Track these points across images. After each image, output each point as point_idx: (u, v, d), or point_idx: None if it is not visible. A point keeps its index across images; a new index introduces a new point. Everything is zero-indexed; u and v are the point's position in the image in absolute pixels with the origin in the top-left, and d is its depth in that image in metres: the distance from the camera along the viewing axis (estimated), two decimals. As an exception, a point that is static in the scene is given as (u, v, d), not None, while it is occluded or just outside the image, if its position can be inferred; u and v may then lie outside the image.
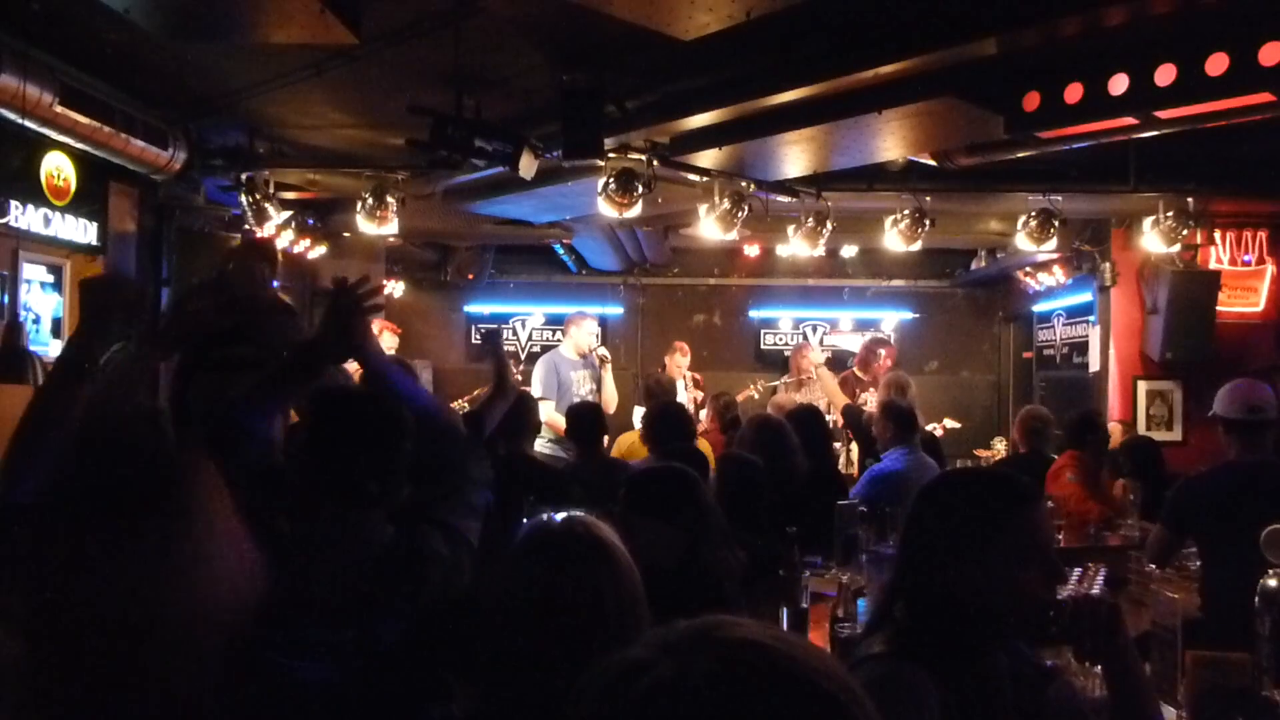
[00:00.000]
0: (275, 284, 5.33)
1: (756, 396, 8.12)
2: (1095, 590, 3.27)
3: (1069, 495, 5.38)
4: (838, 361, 8.86)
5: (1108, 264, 7.87)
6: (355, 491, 1.98)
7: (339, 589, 1.89)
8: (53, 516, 1.22)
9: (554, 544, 1.75)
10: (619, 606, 1.70)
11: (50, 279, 5.75)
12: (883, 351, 7.82)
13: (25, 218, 5.46)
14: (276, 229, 6.85)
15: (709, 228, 6.56)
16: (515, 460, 4.20)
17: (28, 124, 4.84)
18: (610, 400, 7.14)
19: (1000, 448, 8.54)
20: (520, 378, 8.04)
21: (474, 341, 10.67)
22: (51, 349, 5.65)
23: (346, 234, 7.73)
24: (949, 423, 8.09)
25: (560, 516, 1.80)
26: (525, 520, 1.89)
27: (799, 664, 0.78)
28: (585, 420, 4.93)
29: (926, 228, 6.94)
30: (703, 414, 7.49)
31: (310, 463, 2.04)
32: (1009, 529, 1.83)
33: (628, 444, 6.03)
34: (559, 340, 8.34)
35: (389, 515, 2.02)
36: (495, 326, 7.06)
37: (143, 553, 1.14)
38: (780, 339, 10.73)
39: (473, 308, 10.75)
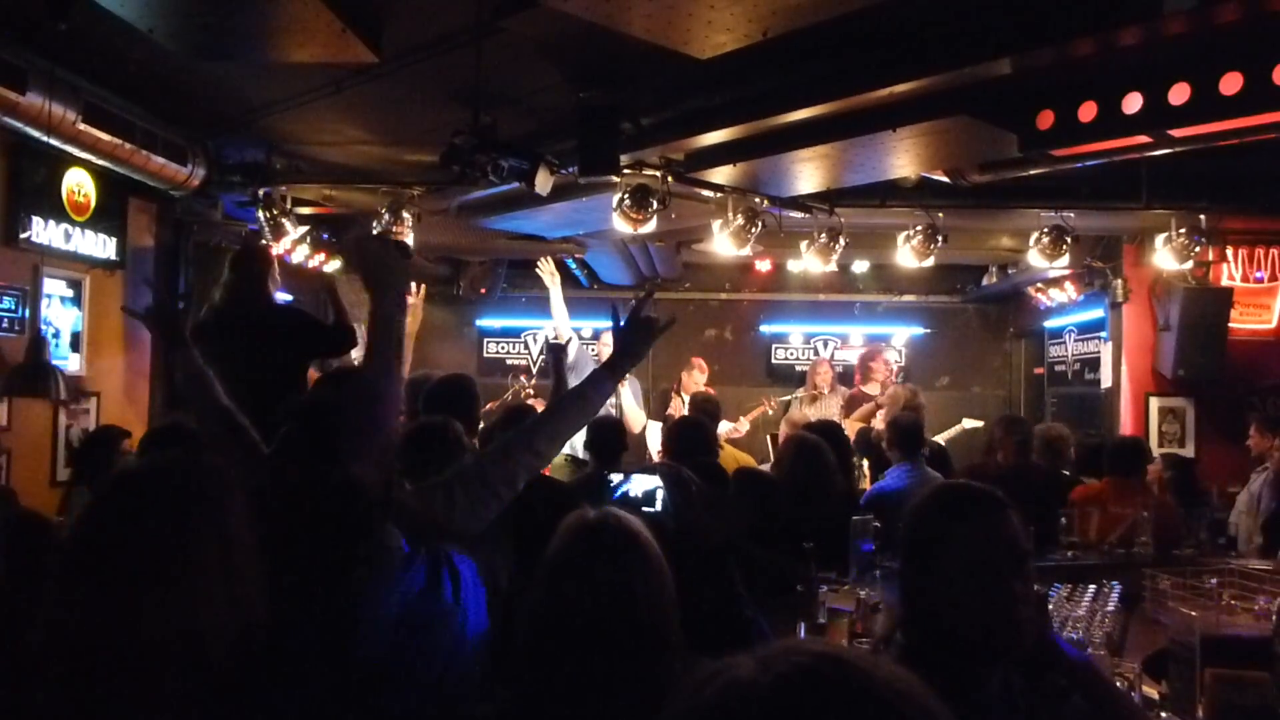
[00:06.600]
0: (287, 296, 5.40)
1: (770, 413, 8.12)
2: (1110, 608, 3.29)
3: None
4: (847, 377, 8.88)
5: (1120, 280, 7.87)
6: None
7: None
8: None
9: (589, 536, 1.79)
10: (649, 598, 1.74)
11: (70, 294, 5.80)
12: (874, 360, 7.85)
13: (46, 233, 5.52)
14: (292, 244, 6.90)
15: (723, 243, 6.59)
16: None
17: (51, 141, 4.90)
18: (630, 420, 7.10)
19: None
20: (532, 391, 8.08)
21: (487, 360, 10.73)
22: (71, 363, 5.70)
23: (361, 249, 7.77)
24: (968, 422, 8.06)
25: (597, 510, 1.85)
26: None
27: (876, 679, 0.79)
28: (604, 434, 4.96)
29: (939, 244, 6.96)
30: (721, 429, 7.50)
31: None
32: (955, 539, 1.82)
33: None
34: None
35: None
36: (559, 340, 7.19)
37: None
38: (791, 354, 10.74)
39: (485, 322, 10.79)
